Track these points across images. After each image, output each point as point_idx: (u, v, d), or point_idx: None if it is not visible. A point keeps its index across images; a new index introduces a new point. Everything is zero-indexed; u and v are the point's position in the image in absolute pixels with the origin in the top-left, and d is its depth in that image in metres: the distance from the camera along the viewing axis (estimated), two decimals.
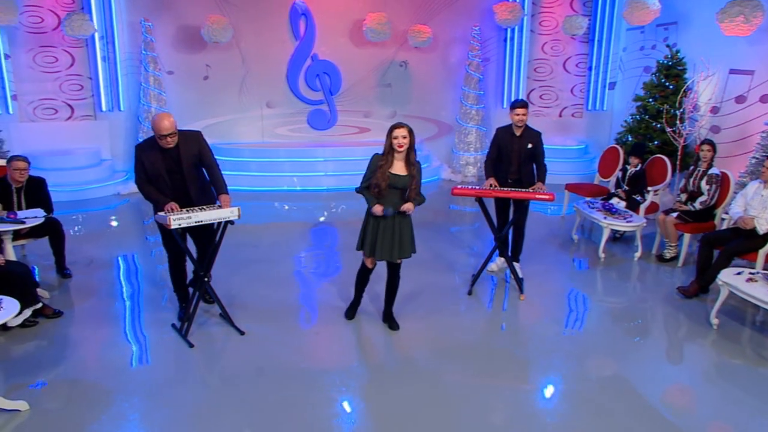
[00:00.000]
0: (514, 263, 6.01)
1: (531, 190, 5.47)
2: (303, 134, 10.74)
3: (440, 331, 4.99)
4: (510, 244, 6.06)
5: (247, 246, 7.10)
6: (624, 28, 10.20)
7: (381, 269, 4.96)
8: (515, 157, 5.70)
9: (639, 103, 8.91)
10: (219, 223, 4.73)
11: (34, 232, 5.79)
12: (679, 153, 8.13)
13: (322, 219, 8.44)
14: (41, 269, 6.20)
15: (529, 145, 5.66)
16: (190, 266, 4.95)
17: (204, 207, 4.64)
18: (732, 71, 7.92)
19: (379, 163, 4.47)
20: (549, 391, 4.15)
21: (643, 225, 6.60)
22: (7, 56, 8.91)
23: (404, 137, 4.38)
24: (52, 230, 5.87)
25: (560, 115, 11.36)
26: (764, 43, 7.36)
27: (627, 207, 6.99)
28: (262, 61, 10.28)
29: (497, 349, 4.72)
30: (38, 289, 5.25)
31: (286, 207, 9.16)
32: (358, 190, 4.65)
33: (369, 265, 4.80)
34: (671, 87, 8.53)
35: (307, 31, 10.29)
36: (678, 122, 8.12)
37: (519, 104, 5.63)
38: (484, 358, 4.57)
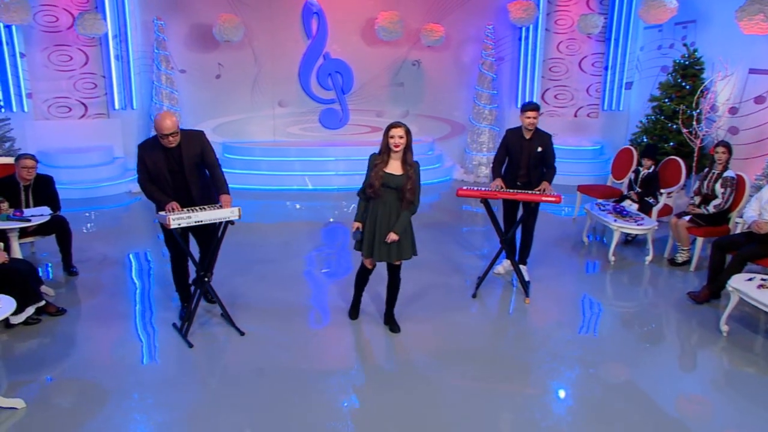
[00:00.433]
0: (521, 266, 5.92)
1: (537, 192, 5.37)
2: (315, 133, 10.72)
3: (441, 334, 4.93)
4: (518, 246, 5.98)
5: (254, 245, 7.10)
6: (641, 26, 10.01)
7: (382, 269, 4.90)
8: (524, 160, 5.60)
9: (655, 104, 8.73)
10: (221, 223, 4.70)
11: (41, 230, 5.83)
12: (695, 155, 7.96)
13: (331, 219, 8.41)
14: (49, 267, 6.25)
15: (539, 149, 5.55)
16: (193, 266, 4.94)
17: (205, 207, 4.62)
18: (752, 71, 7.72)
19: (375, 162, 4.43)
20: (552, 396, 4.06)
21: (655, 228, 6.45)
22: (22, 55, 9.01)
23: (401, 137, 4.32)
24: (58, 228, 5.91)
25: (575, 116, 11.19)
26: None
27: (639, 209, 6.85)
28: (275, 60, 10.28)
29: (499, 353, 4.65)
30: (43, 287, 5.30)
31: (298, 206, 9.14)
32: (359, 194, 4.61)
33: (368, 265, 4.76)
34: (688, 87, 8.35)
35: (319, 30, 10.27)
36: (694, 123, 7.95)
37: (530, 107, 5.52)
38: (486, 362, 4.49)
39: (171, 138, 4.54)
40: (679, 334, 5.04)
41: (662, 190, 7.00)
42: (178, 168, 4.66)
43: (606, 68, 10.78)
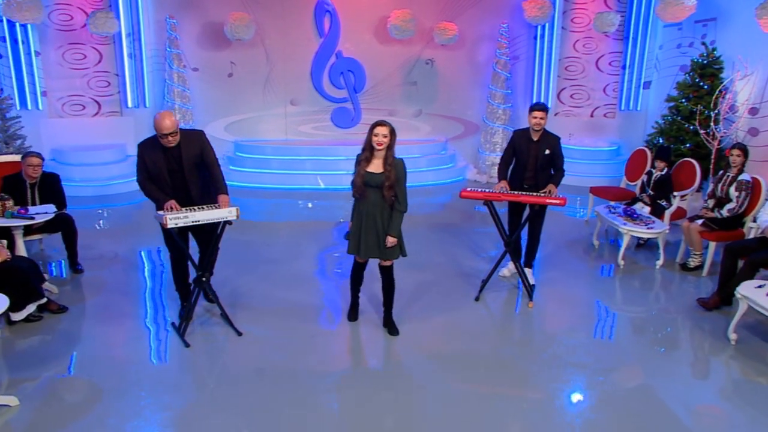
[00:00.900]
0: (527, 269, 5.82)
1: (542, 194, 5.26)
2: (326, 132, 10.68)
3: (441, 337, 4.86)
4: (524, 249, 5.88)
5: (261, 245, 7.10)
6: (660, 24, 9.79)
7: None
8: (532, 162, 5.49)
9: (671, 104, 8.53)
10: (220, 223, 4.68)
11: (47, 228, 5.88)
12: (712, 156, 7.76)
13: (342, 220, 8.35)
14: (56, 264, 6.30)
15: (547, 151, 5.43)
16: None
17: (203, 207, 4.60)
18: None
19: (359, 160, 4.47)
20: (553, 402, 3.95)
21: (666, 232, 6.29)
22: (37, 53, 9.11)
23: (384, 136, 4.33)
24: (64, 226, 5.95)
25: (592, 116, 11.00)
26: None
27: (651, 212, 6.68)
28: (287, 58, 10.27)
29: (499, 357, 4.55)
30: (47, 284, 5.32)
31: (310, 205, 9.13)
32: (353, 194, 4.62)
33: (359, 260, 4.75)
34: (706, 87, 8.14)
35: (331, 28, 10.23)
36: (712, 124, 7.74)
37: (537, 107, 5.42)
38: (485, 365, 4.41)
39: (170, 137, 4.53)
40: (686, 342, 4.89)
41: (675, 193, 6.82)
42: (178, 167, 4.66)
43: (624, 67, 10.57)
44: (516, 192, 5.35)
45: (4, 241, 5.08)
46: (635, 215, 6.36)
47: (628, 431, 3.66)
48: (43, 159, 5.94)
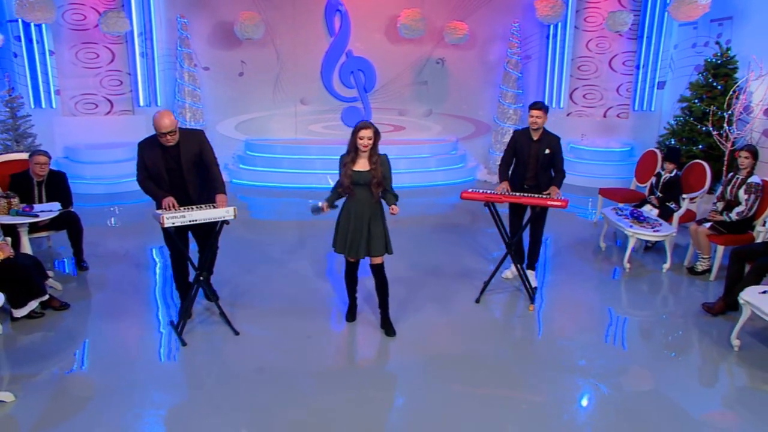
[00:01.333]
0: (529, 271, 5.76)
1: (544, 196, 5.20)
2: (336, 131, 10.67)
3: (439, 339, 4.82)
4: (526, 251, 5.82)
5: (267, 244, 7.12)
6: (675, 24, 9.63)
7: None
8: (532, 162, 5.44)
9: (684, 105, 8.38)
10: (218, 222, 4.70)
11: (53, 225, 5.96)
12: (725, 158, 7.61)
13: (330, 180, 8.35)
14: (63, 262, 6.38)
15: (547, 151, 5.38)
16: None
17: (202, 206, 4.62)
18: None
19: (344, 161, 4.54)
20: (549, 406, 3.90)
21: (673, 235, 6.18)
22: (51, 52, 9.25)
23: (369, 138, 4.43)
24: (70, 224, 6.02)
25: (605, 116, 10.87)
26: None
27: (659, 215, 6.57)
28: (297, 57, 10.29)
29: (497, 359, 4.50)
30: (51, 281, 5.40)
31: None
32: (332, 191, 4.70)
33: (350, 259, 4.77)
34: (720, 87, 7.98)
35: (342, 28, 10.23)
36: (725, 125, 7.59)
37: (534, 106, 5.37)
38: (482, 368, 4.37)
39: (169, 136, 4.57)
40: (688, 348, 4.79)
41: (685, 195, 6.69)
42: (176, 166, 4.69)
43: (637, 67, 10.43)
44: (517, 193, 5.29)
45: (8, 239, 5.15)
46: (641, 218, 6.25)
47: None
48: (50, 157, 6.01)
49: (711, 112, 7.80)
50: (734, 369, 4.42)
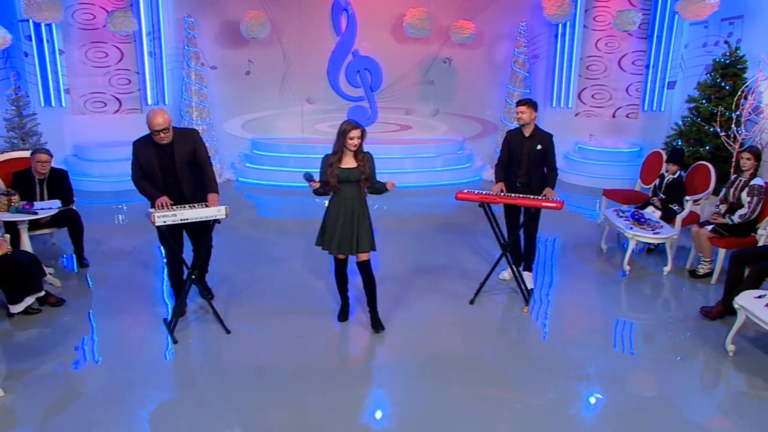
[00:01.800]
0: (526, 273, 5.72)
1: (541, 197, 5.15)
2: None
3: (432, 339, 4.79)
4: (522, 252, 5.79)
5: (268, 243, 7.16)
6: (686, 23, 9.50)
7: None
8: (525, 159, 5.42)
9: (692, 105, 8.26)
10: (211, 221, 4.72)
11: (54, 223, 6.04)
12: (733, 160, 7.48)
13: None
14: (66, 258, 6.46)
15: (539, 146, 5.35)
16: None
17: (194, 205, 4.65)
18: None
19: (330, 161, 4.59)
20: (536, 408, 3.87)
21: (674, 237, 6.09)
22: (61, 52, 9.37)
23: (358, 138, 4.54)
24: (70, 221, 6.09)
25: (613, 116, 10.75)
26: None
27: (662, 217, 6.48)
28: (304, 56, 10.32)
29: (487, 360, 4.47)
30: (50, 278, 5.48)
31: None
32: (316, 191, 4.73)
33: (339, 257, 4.80)
34: (728, 87, 7.86)
35: (348, 27, 10.23)
36: (733, 126, 7.47)
37: (520, 102, 5.40)
38: (474, 369, 4.35)
39: (162, 134, 4.62)
40: (683, 352, 4.69)
41: (688, 197, 6.59)
42: (170, 165, 4.74)
43: (647, 67, 10.31)
44: (512, 194, 5.26)
45: (7, 236, 5.23)
46: (642, 219, 6.17)
47: None
48: (51, 156, 6.09)
49: (719, 113, 7.68)
50: (727, 374, 4.34)
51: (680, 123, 8.42)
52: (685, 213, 6.52)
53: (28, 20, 8.82)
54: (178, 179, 4.76)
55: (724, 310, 5.03)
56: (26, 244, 5.55)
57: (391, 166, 9.54)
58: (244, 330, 4.89)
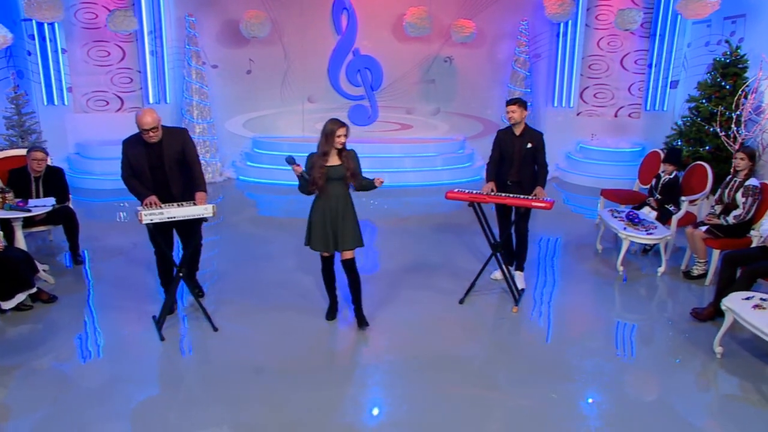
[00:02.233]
0: (517, 273, 5.70)
1: (532, 197, 5.14)
2: None
3: (420, 339, 4.78)
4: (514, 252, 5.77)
5: (264, 241, 7.19)
6: (689, 21, 9.41)
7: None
8: (516, 157, 5.42)
9: (692, 104, 8.19)
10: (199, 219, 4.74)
11: (50, 220, 6.09)
12: (732, 160, 7.40)
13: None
14: (63, 255, 6.52)
15: (529, 144, 5.34)
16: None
17: (182, 204, 4.68)
18: None
19: (317, 162, 4.63)
20: (518, 410, 3.86)
21: (668, 238, 6.04)
22: (64, 50, 9.45)
23: (346, 135, 4.58)
24: (65, 219, 6.14)
25: (616, 116, 10.68)
26: None
27: (658, 217, 6.43)
28: (304, 55, 10.33)
29: (474, 361, 4.46)
30: (43, 275, 5.54)
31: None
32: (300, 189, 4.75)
33: (325, 254, 4.82)
34: (728, 87, 7.78)
35: (349, 26, 10.23)
36: (733, 126, 7.39)
37: (510, 101, 5.42)
38: (460, 369, 4.35)
39: (151, 133, 4.65)
40: (670, 354, 4.65)
41: (684, 198, 6.54)
42: (159, 164, 4.77)
43: (650, 66, 10.23)
44: (502, 194, 5.25)
45: (0, 233, 5.28)
46: (636, 220, 6.13)
47: None
48: (47, 154, 6.15)
49: (719, 113, 7.61)
50: (714, 376, 4.31)
51: (680, 123, 8.35)
52: (681, 213, 6.46)
53: (31, 19, 8.89)
54: (167, 178, 4.79)
55: (715, 312, 4.98)
56: (21, 242, 5.60)
57: (391, 165, 9.56)
58: (232, 327, 4.92)
